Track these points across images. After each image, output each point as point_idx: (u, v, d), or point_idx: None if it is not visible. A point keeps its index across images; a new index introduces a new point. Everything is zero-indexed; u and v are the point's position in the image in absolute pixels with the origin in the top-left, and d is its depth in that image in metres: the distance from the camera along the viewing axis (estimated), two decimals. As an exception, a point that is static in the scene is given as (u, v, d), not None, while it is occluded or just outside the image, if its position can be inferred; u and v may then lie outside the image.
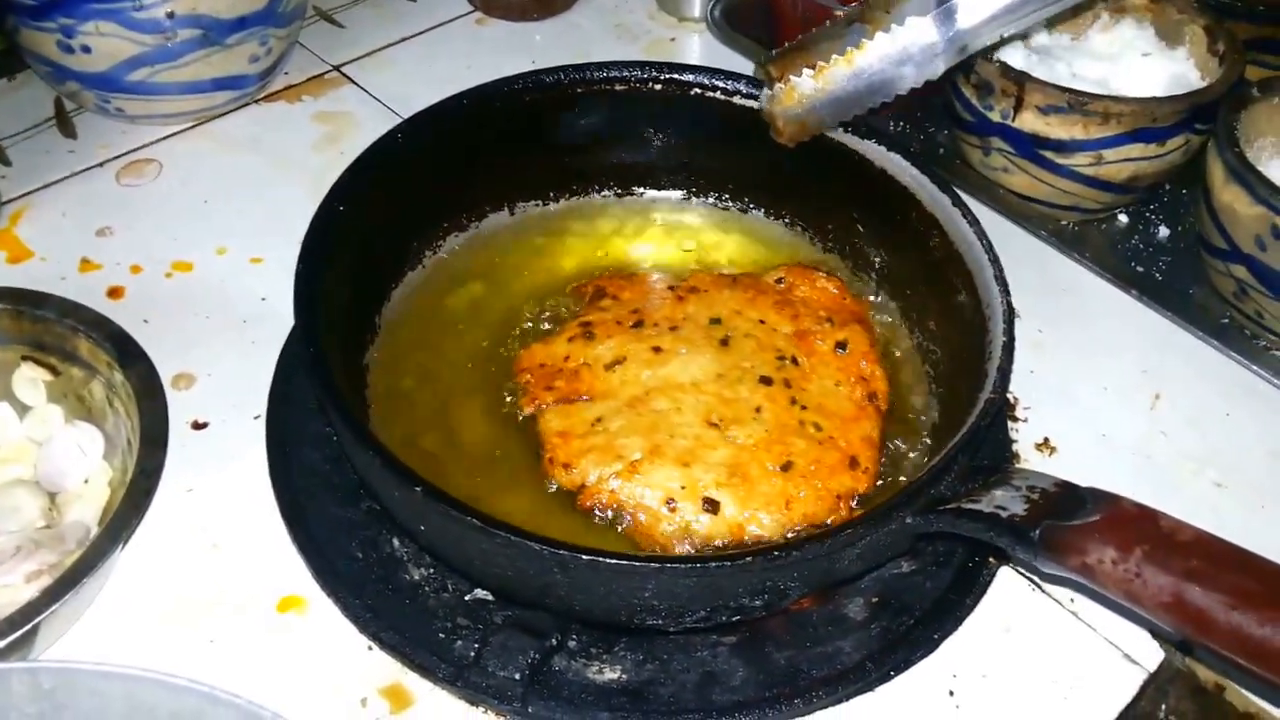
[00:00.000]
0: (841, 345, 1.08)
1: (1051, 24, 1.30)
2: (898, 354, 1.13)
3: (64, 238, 1.26)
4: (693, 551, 0.95)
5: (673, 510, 0.96)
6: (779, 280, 1.14)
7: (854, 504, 0.98)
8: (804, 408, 1.03)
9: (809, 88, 1.06)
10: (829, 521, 0.97)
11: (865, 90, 1.05)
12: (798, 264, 1.17)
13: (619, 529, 0.97)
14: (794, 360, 1.06)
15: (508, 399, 1.06)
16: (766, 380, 1.04)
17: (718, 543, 0.95)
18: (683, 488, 0.97)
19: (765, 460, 0.99)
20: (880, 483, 1.02)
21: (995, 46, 1.15)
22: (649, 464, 0.98)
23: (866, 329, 1.11)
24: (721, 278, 1.15)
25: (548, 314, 1.15)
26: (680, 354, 1.06)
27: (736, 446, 0.99)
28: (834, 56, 1.05)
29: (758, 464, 0.98)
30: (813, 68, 1.06)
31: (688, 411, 1.02)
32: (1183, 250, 1.33)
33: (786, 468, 0.98)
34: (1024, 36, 1.34)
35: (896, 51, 1.03)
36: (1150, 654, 0.97)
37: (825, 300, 1.13)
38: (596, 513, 0.97)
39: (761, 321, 1.09)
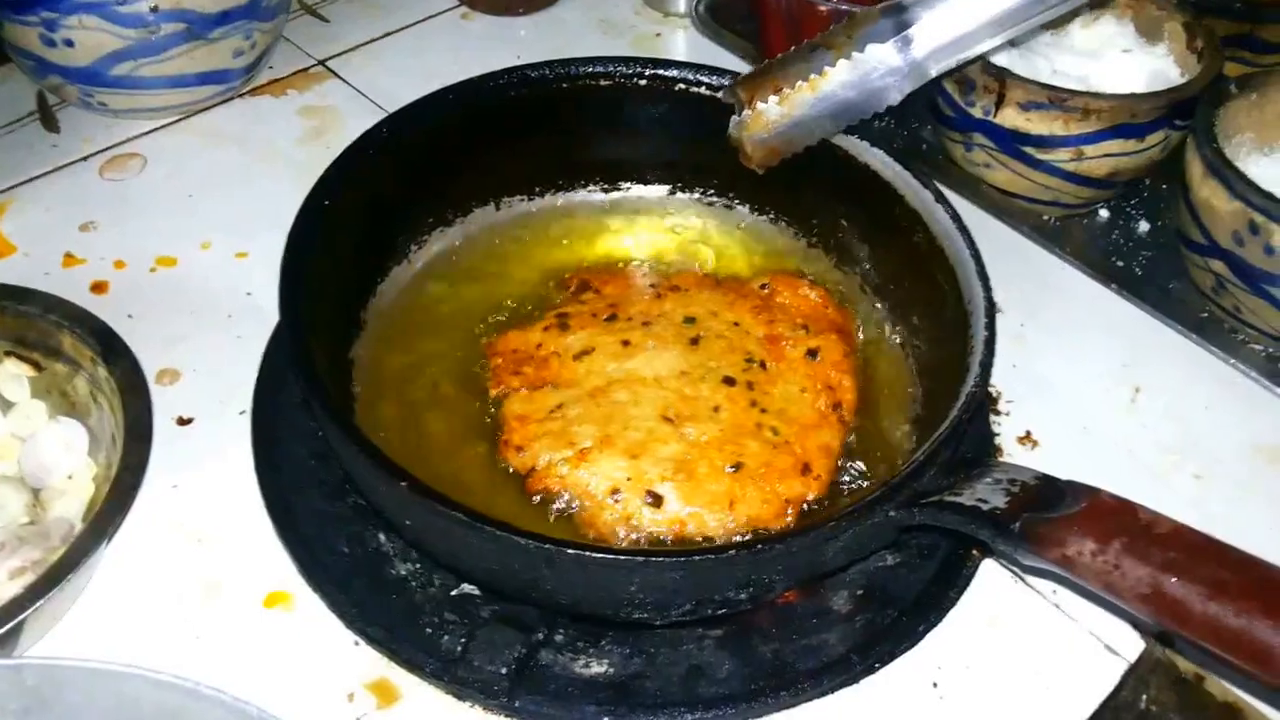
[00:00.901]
0: (813, 353, 1.08)
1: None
2: (881, 347, 1.13)
3: (47, 233, 1.26)
4: (632, 542, 0.96)
5: (616, 500, 0.96)
6: (763, 286, 1.14)
7: (804, 509, 0.99)
8: (764, 410, 1.03)
9: (775, 114, 1.09)
10: (773, 527, 0.97)
11: (830, 115, 1.09)
12: (784, 271, 1.17)
13: (564, 514, 0.97)
14: (762, 364, 1.06)
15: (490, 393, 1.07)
16: (730, 381, 1.04)
17: (660, 536, 0.96)
18: (629, 479, 0.97)
19: (716, 459, 0.99)
20: (849, 486, 1.02)
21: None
22: (598, 453, 0.99)
23: (845, 339, 1.11)
24: (705, 279, 1.16)
25: (531, 306, 1.15)
26: (648, 349, 1.07)
27: (688, 443, 1.00)
28: (798, 83, 1.07)
29: (707, 462, 0.98)
30: (779, 93, 1.08)
31: (645, 405, 1.02)
32: (1162, 245, 1.34)
33: (736, 468, 0.98)
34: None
35: (858, 78, 1.07)
36: (1131, 645, 0.98)
37: (805, 308, 1.13)
38: (544, 496, 0.98)
39: (736, 324, 1.09)
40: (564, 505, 0.98)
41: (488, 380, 1.08)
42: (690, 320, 1.10)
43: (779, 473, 0.99)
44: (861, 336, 1.13)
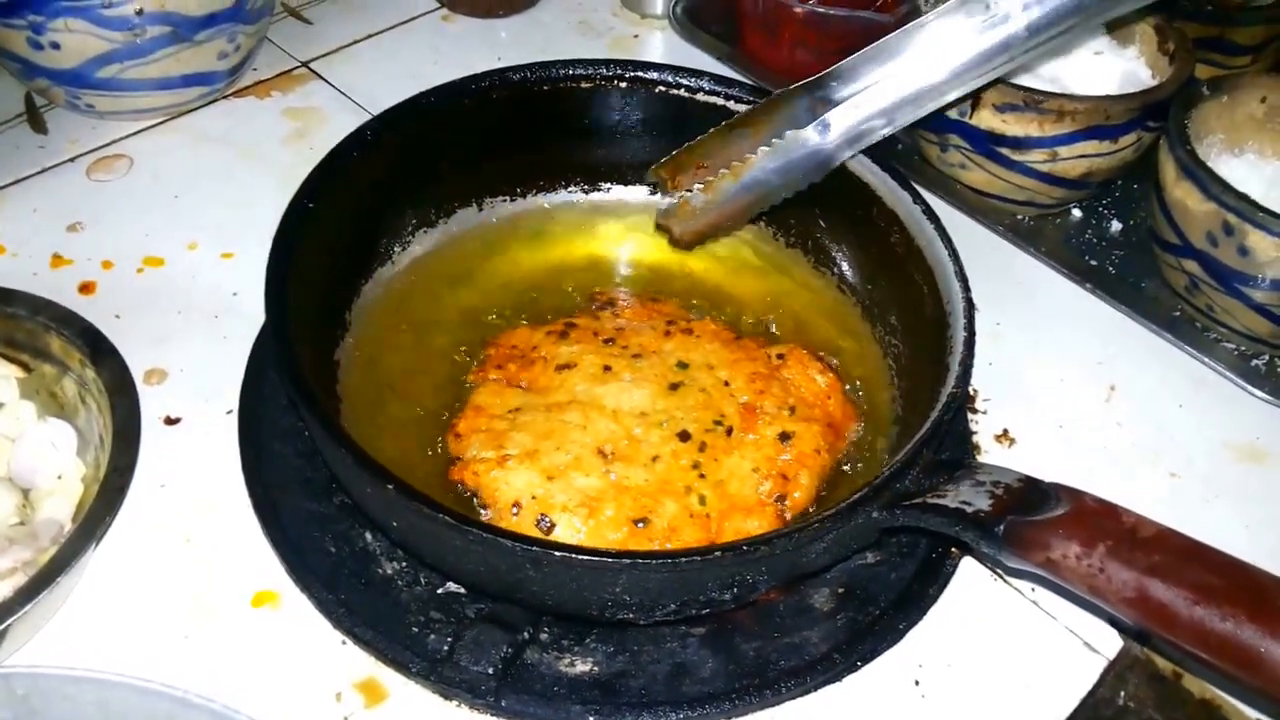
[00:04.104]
0: (785, 436, 1.03)
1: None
2: (860, 348, 1.14)
3: (35, 233, 1.26)
4: None
5: (515, 515, 0.96)
6: (780, 355, 1.11)
7: None
8: (702, 476, 0.99)
9: (700, 201, 1.13)
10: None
11: (754, 199, 1.13)
12: (807, 349, 1.12)
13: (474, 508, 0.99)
14: (729, 430, 1.03)
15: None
16: (685, 436, 1.02)
17: None
18: (533, 498, 0.96)
19: (626, 506, 0.96)
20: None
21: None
22: (518, 464, 0.98)
23: (830, 435, 1.05)
24: (723, 331, 1.13)
25: (510, 311, 1.17)
26: (623, 380, 1.06)
27: (608, 482, 0.98)
28: (720, 170, 1.11)
29: (616, 506, 0.96)
30: (702, 180, 1.12)
31: (589, 433, 1.01)
32: (1135, 244, 1.35)
33: (642, 523, 0.96)
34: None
35: (780, 163, 1.10)
36: (1109, 642, 0.99)
37: (807, 390, 1.08)
38: (460, 487, 0.99)
39: (726, 383, 1.06)
40: (476, 504, 0.99)
41: (472, 366, 1.10)
42: (683, 366, 1.08)
43: (681, 542, 0.96)
44: (855, 439, 1.09)
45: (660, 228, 1.17)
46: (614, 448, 1.00)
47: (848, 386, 1.11)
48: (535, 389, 1.06)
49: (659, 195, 1.18)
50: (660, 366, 1.08)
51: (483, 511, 0.98)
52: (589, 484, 0.98)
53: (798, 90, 1.11)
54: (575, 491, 0.97)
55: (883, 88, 1.09)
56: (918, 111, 1.10)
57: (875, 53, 1.09)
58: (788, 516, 1.00)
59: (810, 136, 1.09)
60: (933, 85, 1.08)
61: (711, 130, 1.15)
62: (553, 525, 0.95)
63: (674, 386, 1.06)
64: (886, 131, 1.10)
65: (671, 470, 0.99)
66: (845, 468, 1.06)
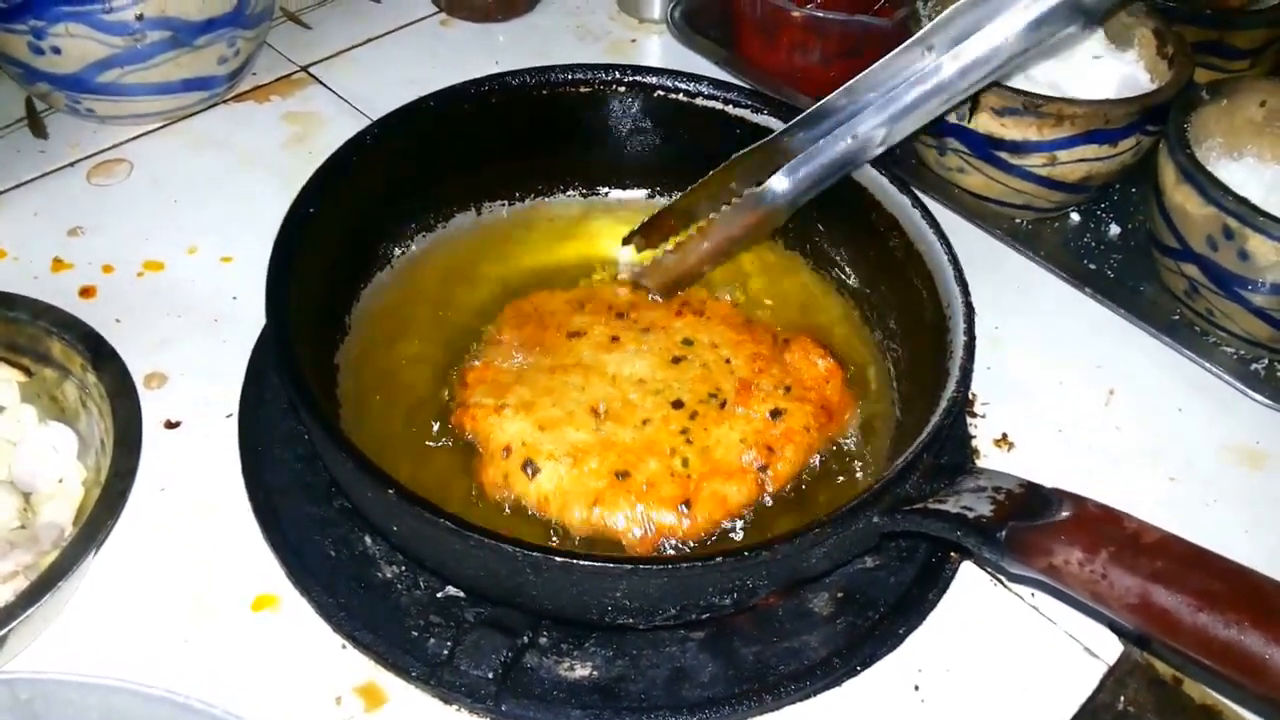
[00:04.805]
0: (776, 413, 1.06)
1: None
2: (859, 353, 1.15)
3: (35, 238, 1.27)
4: (507, 505, 1.01)
5: (505, 458, 1.01)
6: (786, 340, 1.13)
7: (660, 544, 0.99)
8: (689, 441, 1.03)
9: (671, 260, 1.18)
10: (621, 541, 0.98)
11: (721, 252, 1.17)
12: (813, 334, 1.15)
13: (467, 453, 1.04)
14: (723, 403, 1.06)
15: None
16: (679, 404, 1.05)
17: (522, 504, 1.00)
18: (523, 444, 1.01)
19: (609, 459, 1.01)
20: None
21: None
22: (513, 413, 1.03)
23: (822, 416, 1.08)
24: (733, 314, 1.16)
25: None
26: (628, 351, 1.10)
27: (596, 437, 1.02)
28: (687, 232, 1.17)
29: (601, 459, 1.00)
30: (673, 243, 1.17)
31: (586, 393, 1.06)
32: (1133, 248, 1.35)
33: (623, 475, 1.00)
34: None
35: (741, 219, 1.14)
36: (1110, 647, 0.99)
37: (806, 374, 1.10)
38: (459, 430, 1.05)
39: (728, 360, 1.10)
40: (471, 445, 1.04)
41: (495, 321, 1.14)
42: (688, 342, 1.11)
43: (658, 498, 0.99)
44: (851, 431, 1.10)
45: (633, 284, 1.19)
46: (607, 408, 1.05)
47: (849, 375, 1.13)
48: (545, 350, 1.10)
49: (630, 251, 1.22)
50: (666, 341, 1.12)
51: (478, 451, 1.03)
52: (578, 437, 1.02)
53: (757, 147, 1.13)
54: (564, 442, 1.01)
55: (834, 138, 1.11)
56: (870, 153, 1.11)
57: (826, 108, 1.11)
58: (769, 487, 1.03)
59: (764, 195, 1.12)
60: (882, 132, 1.10)
61: (677, 195, 1.18)
62: (538, 470, 1.00)
63: (676, 360, 1.10)
64: (839, 175, 1.12)
65: (660, 433, 1.03)
66: (842, 478, 1.06)
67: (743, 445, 1.03)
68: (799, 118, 1.11)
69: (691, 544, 0.99)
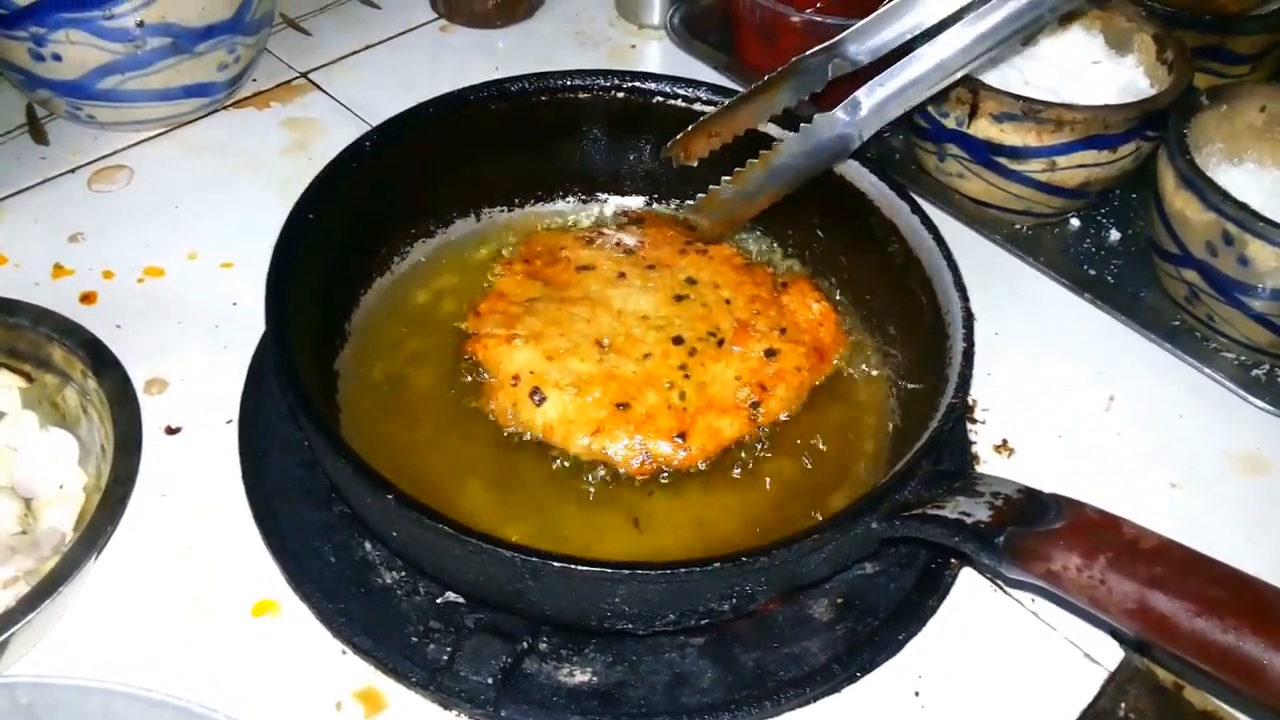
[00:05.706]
0: (771, 353, 1.09)
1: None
2: (858, 357, 1.14)
3: (36, 244, 1.27)
4: (511, 429, 1.05)
5: (514, 385, 1.05)
6: (784, 284, 1.17)
7: (661, 469, 1.03)
8: (686, 376, 1.07)
9: (729, 193, 1.15)
10: (620, 471, 1.02)
11: (782, 185, 1.13)
12: (809, 279, 1.19)
13: (476, 384, 1.08)
14: (720, 341, 1.10)
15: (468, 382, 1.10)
16: (679, 340, 1.09)
17: (526, 435, 1.04)
18: (531, 373, 1.05)
19: (611, 390, 1.04)
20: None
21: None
22: (523, 343, 1.08)
23: (814, 359, 1.11)
24: (736, 256, 1.20)
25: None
26: (634, 286, 1.14)
27: (601, 368, 1.06)
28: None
29: (603, 389, 1.04)
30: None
31: (592, 326, 1.09)
32: (1133, 254, 1.35)
33: (623, 406, 1.04)
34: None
35: (807, 148, 1.10)
36: (1110, 653, 0.99)
37: (801, 317, 1.13)
38: (470, 360, 1.09)
39: (728, 300, 1.13)
40: (481, 376, 1.08)
41: (506, 258, 1.19)
42: (692, 281, 1.15)
43: (655, 428, 1.03)
44: (841, 365, 1.14)
45: (686, 221, 1.19)
46: (611, 341, 1.09)
47: (847, 325, 1.16)
48: (554, 284, 1.14)
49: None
50: (670, 279, 1.15)
51: (482, 377, 1.08)
52: (583, 368, 1.06)
53: (815, 55, 1.11)
54: (569, 372, 1.06)
55: (904, 54, 1.08)
56: (950, 78, 1.08)
57: (888, 13, 1.10)
58: (760, 422, 1.07)
59: (839, 117, 1.09)
60: (968, 43, 1.06)
61: (724, 102, 1.16)
62: (544, 398, 1.04)
63: (679, 298, 1.13)
64: (918, 100, 1.09)
65: (659, 367, 1.07)
66: (839, 492, 1.05)
67: (738, 382, 1.08)
68: (858, 25, 1.10)
69: (686, 471, 1.04)
